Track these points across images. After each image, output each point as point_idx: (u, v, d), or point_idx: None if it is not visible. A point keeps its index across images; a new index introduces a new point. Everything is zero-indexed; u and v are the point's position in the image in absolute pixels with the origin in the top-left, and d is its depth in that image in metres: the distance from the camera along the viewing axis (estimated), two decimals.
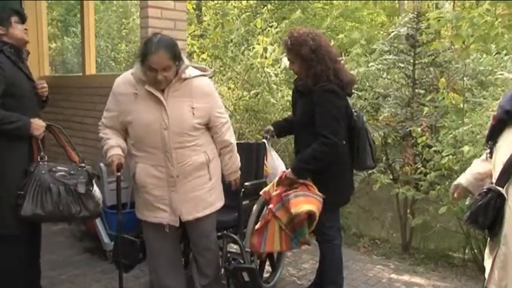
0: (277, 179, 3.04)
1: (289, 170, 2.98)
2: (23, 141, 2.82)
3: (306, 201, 2.84)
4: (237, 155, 3.00)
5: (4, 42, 2.81)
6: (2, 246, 2.82)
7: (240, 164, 3.03)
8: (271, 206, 2.93)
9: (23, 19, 2.94)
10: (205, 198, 2.82)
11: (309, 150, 2.88)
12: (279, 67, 6.16)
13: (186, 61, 2.76)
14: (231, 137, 2.92)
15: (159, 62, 2.56)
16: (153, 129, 2.66)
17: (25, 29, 2.94)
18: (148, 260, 2.97)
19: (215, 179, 2.88)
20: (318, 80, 2.87)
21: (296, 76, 3.17)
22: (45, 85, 3.03)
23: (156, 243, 2.89)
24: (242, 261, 3.04)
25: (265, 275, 3.50)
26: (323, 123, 2.84)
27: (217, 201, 2.91)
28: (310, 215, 2.84)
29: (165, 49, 2.58)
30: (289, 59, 3.07)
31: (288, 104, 5.52)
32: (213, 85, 2.85)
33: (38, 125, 2.81)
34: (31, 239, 3.00)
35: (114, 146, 2.76)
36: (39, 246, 3.14)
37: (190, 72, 2.72)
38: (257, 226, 2.97)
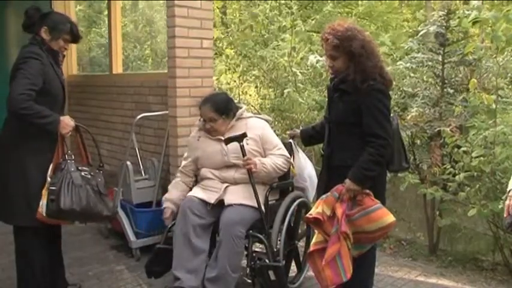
0: (336, 195, 2.72)
1: (348, 181, 2.70)
2: (43, 140, 2.86)
3: (385, 213, 2.72)
4: (273, 165, 3.19)
5: (44, 43, 2.90)
6: (24, 238, 2.91)
7: (268, 170, 3.16)
8: (343, 229, 2.64)
9: (75, 40, 3.04)
10: (248, 193, 3.07)
11: (365, 156, 2.67)
12: (308, 65, 6.04)
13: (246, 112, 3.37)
14: (281, 163, 3.23)
15: (204, 113, 3.21)
16: (215, 157, 3.20)
17: (65, 48, 3.01)
18: (179, 227, 3.07)
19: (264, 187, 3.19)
20: (366, 78, 2.68)
21: (331, 74, 2.96)
22: None
23: (194, 212, 3.06)
24: (268, 260, 3.02)
25: (291, 274, 3.48)
26: (377, 124, 2.65)
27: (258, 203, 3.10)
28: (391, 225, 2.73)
29: (210, 103, 3.18)
30: (331, 56, 2.80)
31: (314, 103, 5.47)
32: (270, 126, 3.38)
33: (66, 124, 2.83)
34: (50, 229, 3.04)
35: (168, 198, 3.28)
36: (59, 236, 3.18)
37: (246, 114, 3.33)
38: (325, 258, 2.67)
